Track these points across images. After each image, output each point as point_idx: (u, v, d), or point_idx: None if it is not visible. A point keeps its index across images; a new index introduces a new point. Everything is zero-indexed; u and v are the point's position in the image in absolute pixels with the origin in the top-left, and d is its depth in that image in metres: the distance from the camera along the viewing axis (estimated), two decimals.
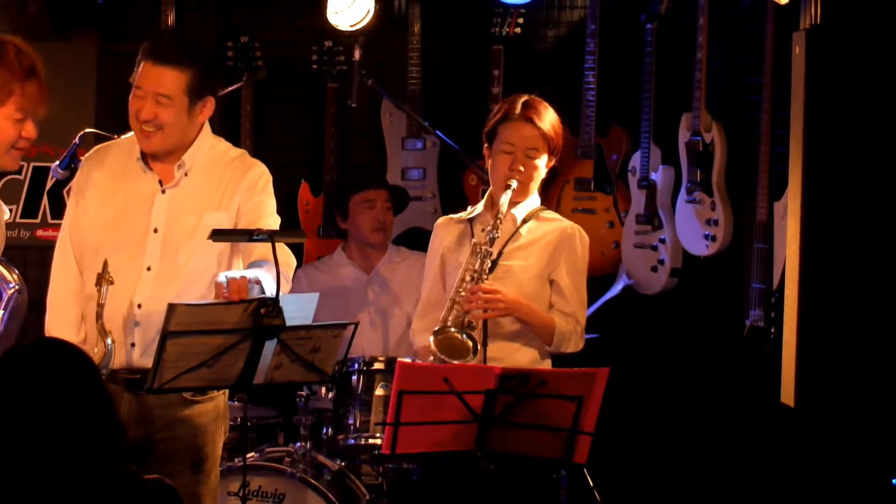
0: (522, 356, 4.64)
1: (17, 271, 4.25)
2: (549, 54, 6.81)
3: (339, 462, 5.24)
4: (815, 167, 5.16)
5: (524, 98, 4.69)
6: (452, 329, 4.52)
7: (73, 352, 3.04)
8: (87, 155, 4.52)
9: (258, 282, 4.02)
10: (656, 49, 6.11)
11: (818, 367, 5.14)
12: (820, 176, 5.16)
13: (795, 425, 5.35)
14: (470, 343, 4.50)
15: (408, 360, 4.70)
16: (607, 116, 6.39)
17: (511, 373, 4.16)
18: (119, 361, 4.25)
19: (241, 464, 4.63)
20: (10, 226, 6.45)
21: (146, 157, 4.36)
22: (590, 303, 5.70)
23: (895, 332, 5.10)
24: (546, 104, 4.69)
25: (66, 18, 6.68)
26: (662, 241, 6.16)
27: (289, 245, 4.27)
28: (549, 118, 4.66)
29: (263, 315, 3.91)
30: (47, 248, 4.71)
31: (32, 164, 6.53)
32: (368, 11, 6.44)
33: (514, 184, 4.59)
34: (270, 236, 4.03)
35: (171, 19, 6.43)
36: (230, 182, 4.35)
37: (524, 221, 4.68)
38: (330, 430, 5.21)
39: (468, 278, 4.57)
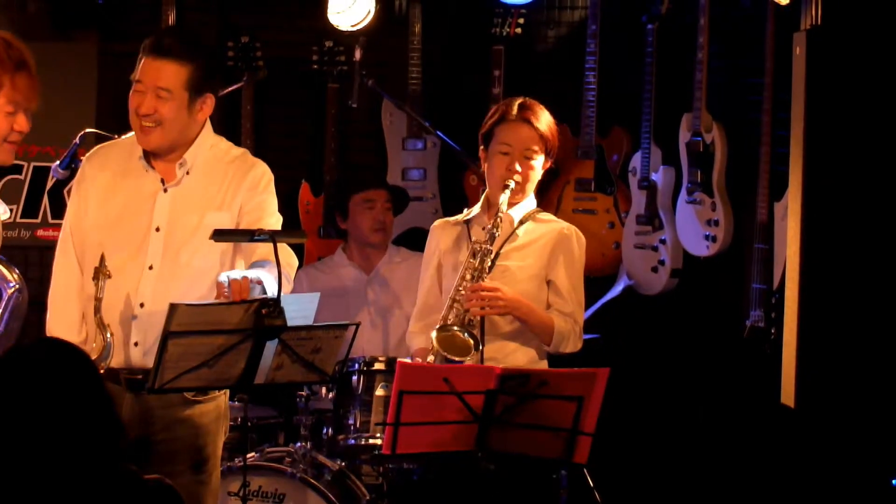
0: (520, 356, 4.64)
1: (17, 271, 4.25)
2: (550, 55, 6.81)
3: (339, 462, 5.24)
4: (815, 168, 5.16)
5: (520, 100, 4.70)
6: (455, 327, 4.53)
7: (73, 352, 3.04)
8: (88, 154, 4.52)
9: (260, 282, 4.02)
10: (657, 49, 6.11)
11: (818, 367, 5.14)
12: (820, 177, 5.16)
13: (795, 426, 5.35)
14: (471, 341, 4.51)
15: (408, 360, 4.70)
16: (608, 117, 6.39)
17: (511, 373, 4.16)
18: (121, 361, 4.25)
19: (242, 464, 4.63)
20: (10, 226, 6.45)
21: (148, 156, 4.36)
22: (590, 303, 5.70)
23: (895, 333, 5.11)
24: (542, 106, 4.70)
25: (67, 18, 6.68)
26: (663, 241, 6.16)
27: (289, 245, 4.28)
28: (545, 119, 4.67)
29: (265, 315, 3.91)
30: (47, 248, 4.72)
31: (33, 164, 6.53)
32: (369, 12, 6.45)
33: (512, 183, 4.59)
34: (272, 236, 4.03)
35: (171, 19, 6.43)
36: (232, 181, 4.35)
37: (521, 223, 4.68)
38: (330, 430, 5.21)
39: (468, 276, 4.57)
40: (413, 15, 6.64)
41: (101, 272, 4.14)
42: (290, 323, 3.94)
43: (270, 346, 3.98)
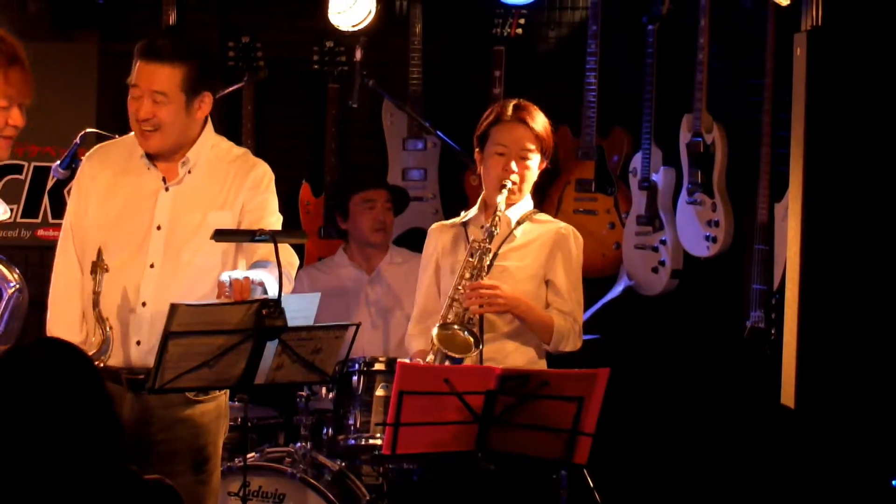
0: (519, 356, 4.64)
1: (17, 270, 4.24)
2: (551, 55, 6.81)
3: (339, 462, 5.24)
4: (815, 169, 5.16)
5: (515, 101, 4.72)
6: (455, 326, 4.53)
7: (73, 352, 3.03)
8: (88, 153, 4.52)
9: (261, 284, 4.02)
10: (657, 50, 6.11)
11: (818, 368, 5.15)
12: (821, 177, 5.16)
13: (795, 427, 5.35)
14: (472, 339, 4.51)
15: (408, 360, 4.70)
16: (608, 117, 6.39)
17: (511, 373, 4.16)
18: (122, 360, 4.25)
19: (242, 464, 4.63)
20: (10, 226, 6.46)
21: (150, 154, 4.36)
22: (590, 304, 5.70)
23: (895, 334, 5.11)
24: (536, 107, 4.71)
25: (67, 19, 6.68)
26: (663, 242, 6.16)
27: (290, 245, 4.28)
28: (540, 120, 4.67)
29: (265, 316, 3.91)
30: (48, 248, 4.71)
31: (33, 164, 6.53)
32: (370, 12, 6.45)
33: (509, 184, 4.59)
34: (273, 237, 4.03)
35: (171, 19, 6.43)
36: (234, 181, 4.35)
37: (518, 223, 4.68)
38: (330, 430, 5.21)
39: (467, 275, 4.57)
40: (414, 15, 6.64)
41: (98, 266, 4.15)
42: (290, 323, 3.94)
43: (271, 347, 3.98)
